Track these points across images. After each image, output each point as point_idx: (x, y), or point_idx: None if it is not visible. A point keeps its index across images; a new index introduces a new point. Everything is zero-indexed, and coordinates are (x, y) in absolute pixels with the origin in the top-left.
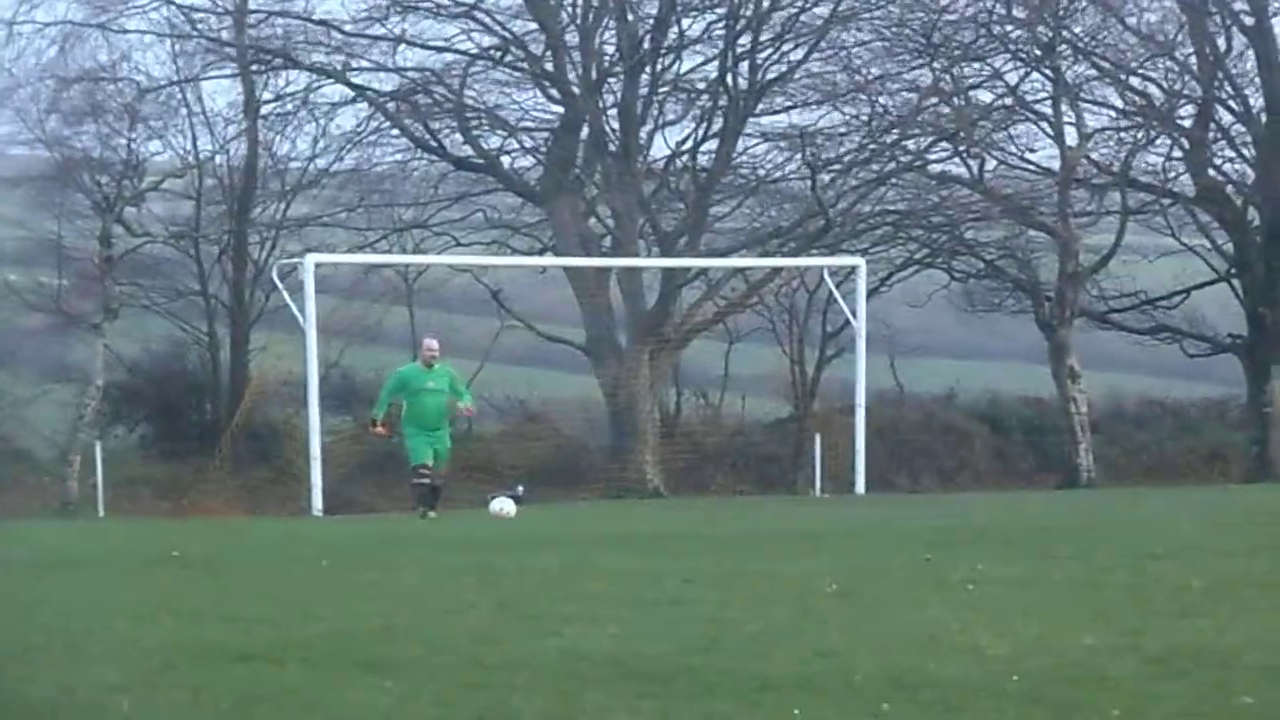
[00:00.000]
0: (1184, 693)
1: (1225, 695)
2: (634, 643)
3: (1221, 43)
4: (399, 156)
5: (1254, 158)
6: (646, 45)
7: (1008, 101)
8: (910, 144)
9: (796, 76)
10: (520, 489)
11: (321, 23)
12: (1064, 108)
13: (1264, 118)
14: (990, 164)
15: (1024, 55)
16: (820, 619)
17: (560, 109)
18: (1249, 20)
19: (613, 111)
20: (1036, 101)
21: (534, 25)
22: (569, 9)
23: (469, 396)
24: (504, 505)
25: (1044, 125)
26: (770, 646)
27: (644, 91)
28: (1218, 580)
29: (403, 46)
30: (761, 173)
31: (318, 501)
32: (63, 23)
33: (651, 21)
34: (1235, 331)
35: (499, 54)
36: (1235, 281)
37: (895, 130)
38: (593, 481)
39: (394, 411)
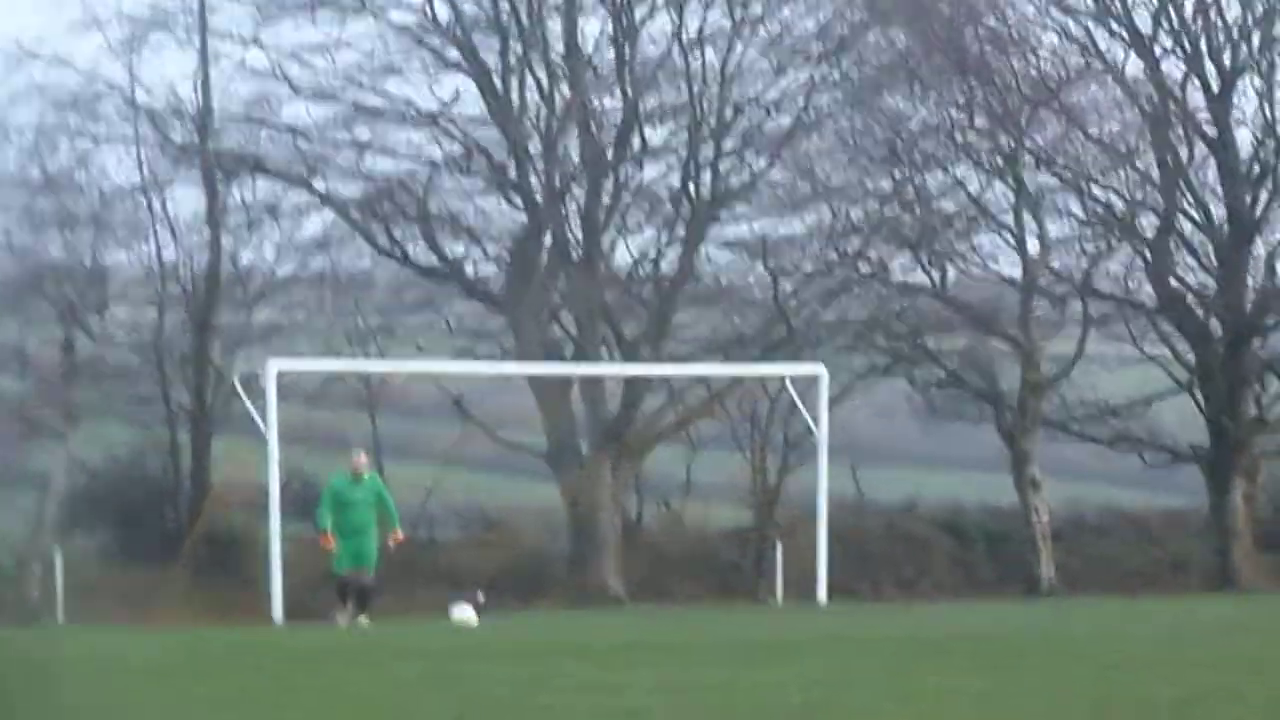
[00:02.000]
0: None
1: None
2: None
3: (1183, 152)
4: (363, 264)
5: (1215, 268)
6: (609, 154)
7: (970, 211)
8: (872, 253)
9: (759, 185)
10: (481, 596)
11: (287, 129)
12: (1026, 217)
13: (1226, 228)
14: (952, 273)
15: (986, 164)
16: None
17: (523, 217)
18: (1211, 130)
19: (575, 219)
20: (999, 211)
21: (498, 134)
22: (532, 118)
23: (396, 516)
24: (465, 613)
25: (1006, 234)
26: None
27: (607, 199)
28: (1182, 694)
29: (368, 154)
30: (724, 280)
31: (279, 610)
32: (33, 129)
33: (615, 131)
34: (1196, 442)
35: (463, 162)
36: (1197, 392)
37: (857, 238)
38: (554, 590)
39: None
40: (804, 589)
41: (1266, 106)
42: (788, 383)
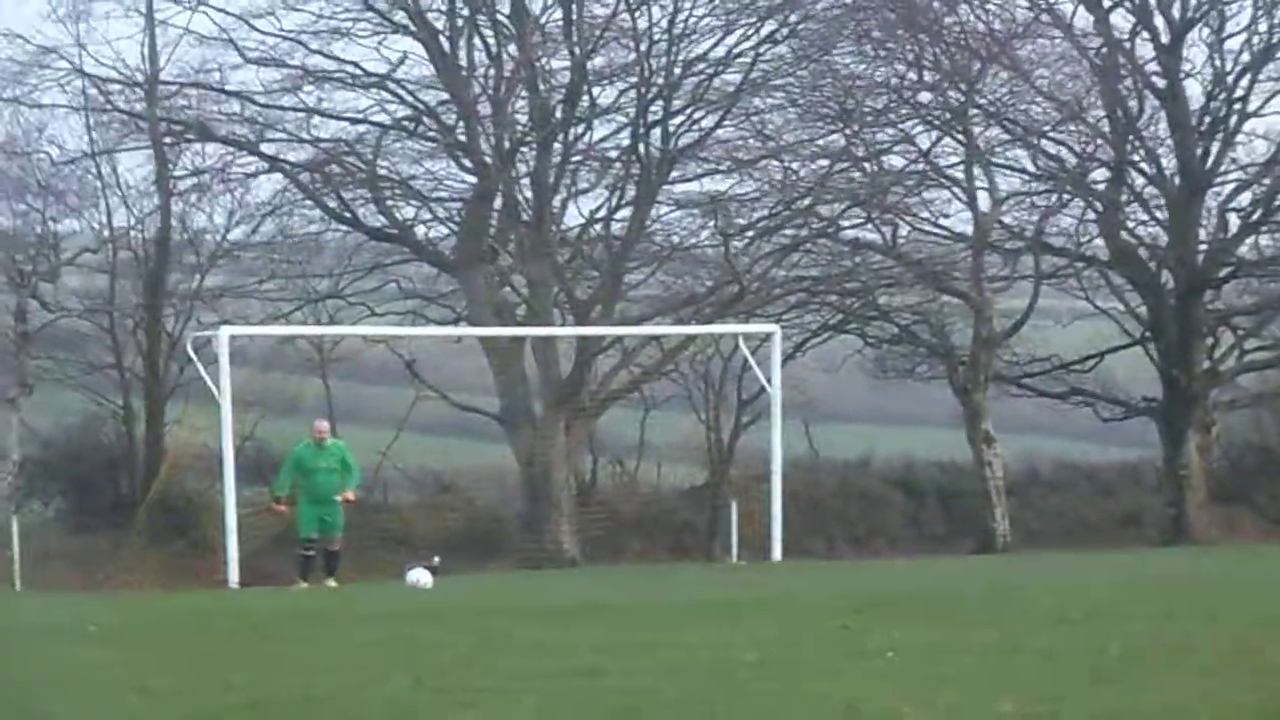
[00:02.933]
0: None
1: None
2: (551, 714)
3: (1134, 105)
4: (313, 228)
5: (1167, 220)
6: (558, 115)
7: (920, 166)
8: (823, 210)
9: (709, 144)
10: (436, 560)
11: (235, 94)
12: (976, 172)
13: (1177, 180)
14: (903, 230)
15: (935, 120)
16: (737, 689)
17: (473, 179)
18: (1161, 83)
19: (525, 181)
20: (949, 166)
21: (446, 96)
22: (480, 80)
23: (356, 478)
24: (420, 576)
25: (956, 190)
26: (688, 718)
27: (557, 160)
28: (1134, 646)
29: (316, 118)
30: (675, 240)
31: (234, 574)
32: None
33: (563, 91)
34: (1149, 395)
35: (412, 125)
36: (1150, 345)
37: (808, 196)
38: (508, 551)
39: (294, 488)
40: (758, 547)
41: (1216, 58)
42: (740, 341)
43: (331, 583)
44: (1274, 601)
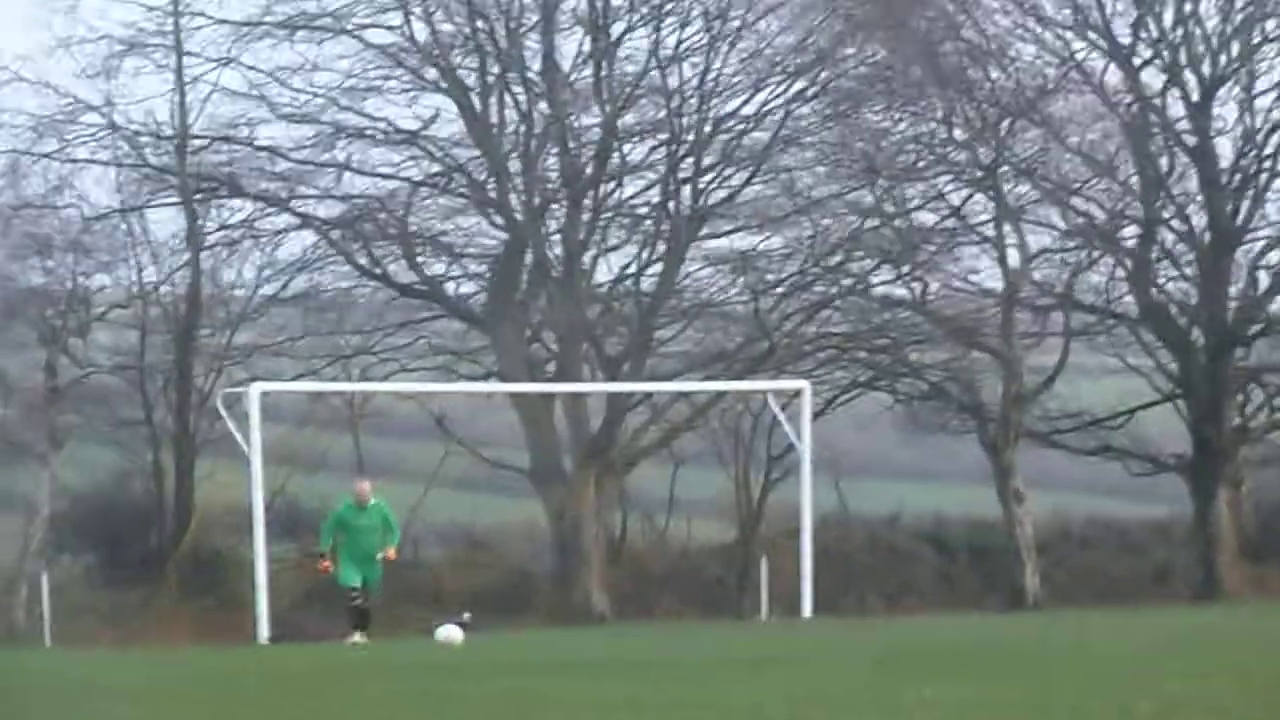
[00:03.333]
0: None
1: None
2: None
3: (1164, 162)
4: (344, 284)
5: (1197, 277)
6: (589, 171)
7: (950, 223)
8: (853, 266)
9: (738, 200)
10: (467, 616)
11: (266, 149)
12: (1006, 229)
13: (1207, 237)
14: (933, 286)
15: (966, 176)
16: None
17: (504, 235)
18: (1191, 140)
19: (556, 237)
20: (979, 223)
21: (477, 152)
22: (511, 137)
23: (397, 536)
24: (450, 632)
25: (986, 246)
26: None
27: (587, 217)
28: (1165, 703)
29: (347, 174)
30: (705, 296)
31: (264, 630)
32: (11, 151)
33: (594, 148)
34: (1179, 451)
35: (443, 181)
36: (1180, 401)
37: (838, 253)
38: (538, 607)
39: (334, 545)
40: (789, 604)
41: (1247, 115)
42: (770, 398)
43: (359, 638)
44: None
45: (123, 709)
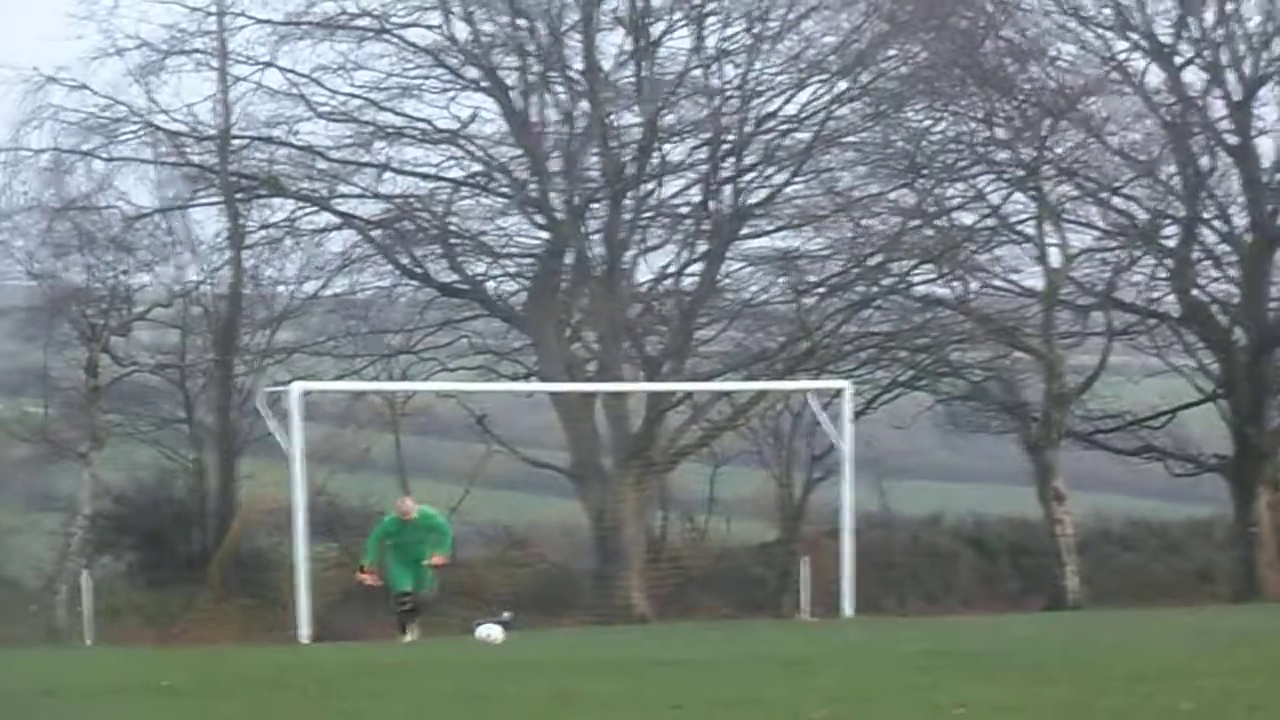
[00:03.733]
0: None
1: None
2: None
3: (1205, 162)
4: (385, 283)
5: (1239, 277)
6: (630, 171)
7: (991, 222)
8: (894, 266)
9: (780, 200)
10: (507, 615)
11: (306, 149)
12: (1047, 228)
13: (1248, 237)
14: (974, 285)
15: (1007, 176)
16: None
17: (545, 234)
18: (1232, 140)
19: (597, 236)
20: (1020, 222)
21: (518, 152)
22: (552, 136)
23: (448, 543)
24: (491, 632)
25: (1027, 246)
26: None
27: (628, 216)
28: (1206, 703)
29: (387, 173)
30: (746, 296)
31: (305, 629)
32: (52, 150)
33: (635, 147)
34: (1220, 451)
35: (483, 180)
36: (1221, 401)
37: (879, 252)
38: (579, 607)
39: (380, 556)
40: (829, 604)
41: None
42: (811, 398)
43: (407, 637)
44: None
45: (165, 708)
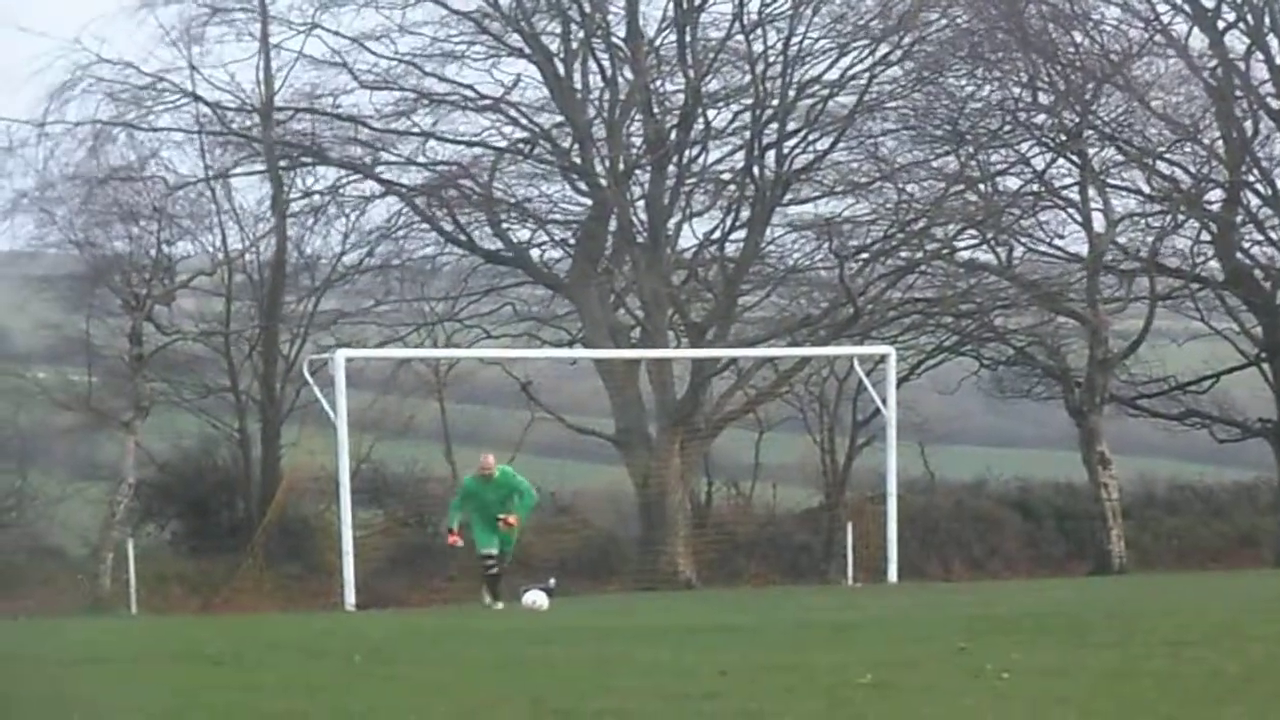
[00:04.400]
0: None
1: None
2: None
3: (1249, 126)
4: (428, 250)
5: None
6: (673, 137)
7: (1035, 188)
8: (938, 231)
9: (823, 166)
10: (553, 581)
11: (349, 118)
12: (1091, 193)
13: None
14: (1018, 250)
15: (1050, 141)
16: (854, 711)
17: (588, 201)
18: (1275, 104)
19: (640, 203)
20: (1063, 187)
21: (561, 119)
22: (595, 103)
23: (530, 498)
24: (537, 598)
25: (1071, 211)
26: None
27: (671, 183)
28: (1252, 666)
29: (431, 141)
30: (789, 262)
31: (350, 596)
32: (93, 122)
33: (678, 114)
34: (1265, 416)
35: (527, 147)
36: (1265, 365)
37: (922, 218)
38: (624, 573)
39: (464, 519)
40: (874, 570)
41: None
42: (855, 363)
43: (499, 605)
44: None
45: (209, 676)
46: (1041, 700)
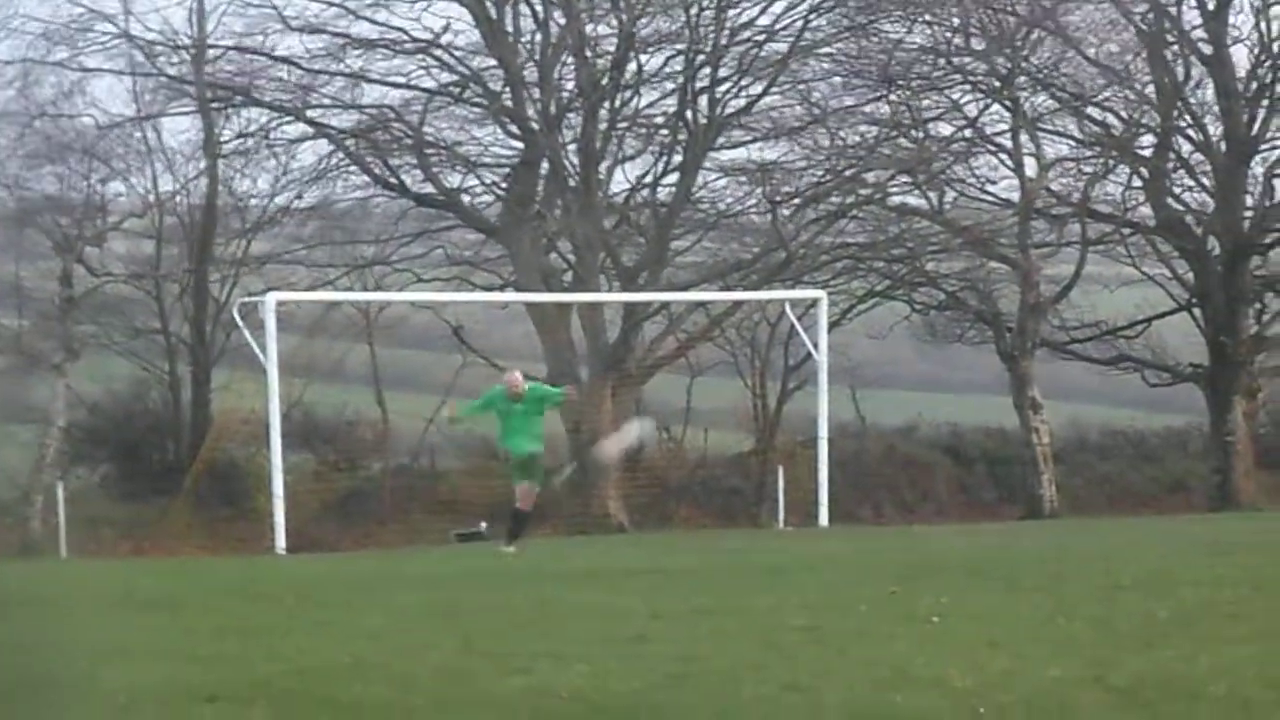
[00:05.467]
0: None
1: None
2: (602, 680)
3: (1180, 71)
4: (359, 193)
5: (1213, 187)
6: (605, 81)
7: (967, 133)
8: (870, 177)
9: (755, 110)
10: (484, 525)
11: (281, 59)
12: (1023, 139)
13: (1223, 147)
14: (950, 196)
15: (983, 87)
16: (786, 654)
17: (520, 145)
18: (1207, 49)
19: (572, 147)
20: (996, 133)
21: (492, 62)
22: (527, 46)
23: (558, 395)
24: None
25: (1003, 156)
26: (737, 683)
27: (603, 127)
28: (1184, 610)
29: (362, 84)
30: (722, 207)
31: (281, 540)
32: (23, 60)
33: (610, 58)
34: (1196, 361)
35: (458, 90)
36: (1196, 311)
37: (855, 164)
38: (556, 517)
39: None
40: (805, 513)
41: (1262, 23)
42: (787, 308)
43: (510, 549)
44: None
45: (141, 619)
46: (973, 643)
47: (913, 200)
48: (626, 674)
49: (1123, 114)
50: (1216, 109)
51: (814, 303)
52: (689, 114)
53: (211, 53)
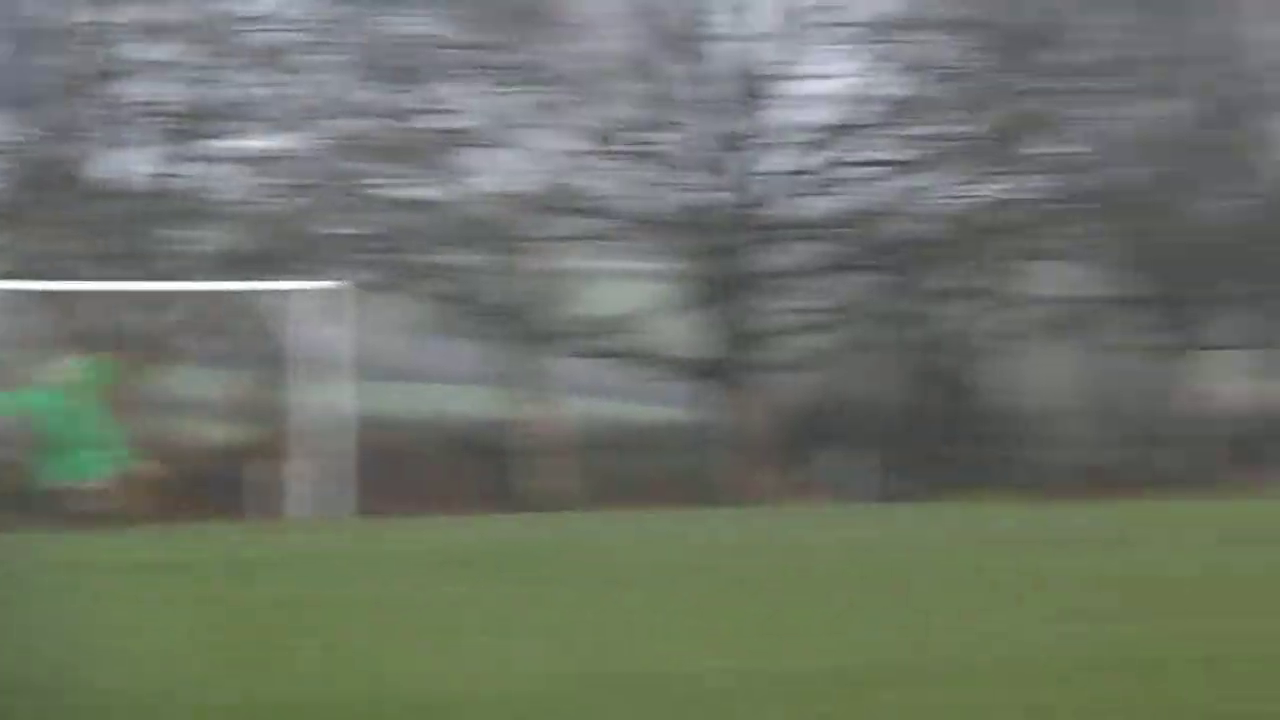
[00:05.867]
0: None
1: None
2: None
3: (674, 68)
4: None
5: (710, 181)
6: (95, 67)
7: (460, 125)
8: (362, 168)
9: (257, 100)
10: None
11: None
12: (519, 132)
13: (717, 141)
14: (441, 190)
15: (482, 78)
16: (272, 641)
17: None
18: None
19: (55, 134)
20: (495, 126)
21: None
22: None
23: None
24: None
25: (493, 150)
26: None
27: (90, 113)
28: (694, 601)
29: None
30: (217, 197)
31: None
32: None
33: (96, 45)
34: (693, 355)
35: None
36: (695, 306)
37: (346, 155)
38: (39, 511)
39: None
40: (297, 506)
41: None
42: (292, 298)
43: None
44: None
45: None
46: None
47: (414, 192)
48: None
49: (618, 108)
50: (709, 104)
51: (314, 294)
52: (180, 102)
53: None
